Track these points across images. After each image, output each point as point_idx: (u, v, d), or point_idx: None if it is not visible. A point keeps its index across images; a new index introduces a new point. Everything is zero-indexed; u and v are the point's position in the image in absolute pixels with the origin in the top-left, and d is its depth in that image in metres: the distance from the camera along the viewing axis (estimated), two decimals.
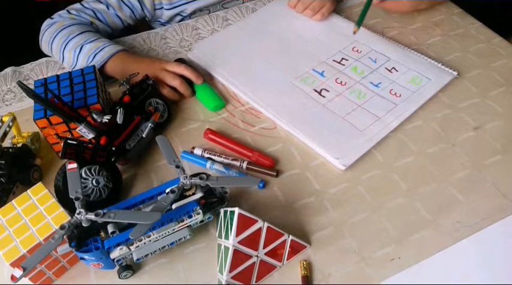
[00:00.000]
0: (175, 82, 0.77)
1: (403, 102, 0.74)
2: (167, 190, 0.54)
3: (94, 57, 0.79)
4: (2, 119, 0.67)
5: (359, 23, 0.77)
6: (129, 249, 0.53)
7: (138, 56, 0.85)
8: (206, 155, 0.68)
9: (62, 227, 0.49)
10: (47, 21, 0.88)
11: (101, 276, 0.57)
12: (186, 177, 0.54)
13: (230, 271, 0.52)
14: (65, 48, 0.82)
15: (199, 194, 0.56)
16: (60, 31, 0.84)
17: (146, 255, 0.55)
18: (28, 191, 0.58)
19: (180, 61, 0.84)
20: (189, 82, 0.80)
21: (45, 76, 0.77)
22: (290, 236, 0.55)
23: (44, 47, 0.87)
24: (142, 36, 0.93)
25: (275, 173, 0.65)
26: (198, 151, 0.69)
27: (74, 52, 0.81)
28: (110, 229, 0.53)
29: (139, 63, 0.79)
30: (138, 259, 0.55)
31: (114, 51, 0.80)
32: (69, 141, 0.59)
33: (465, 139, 0.69)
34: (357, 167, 0.66)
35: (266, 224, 0.53)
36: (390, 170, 0.66)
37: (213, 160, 0.68)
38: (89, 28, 0.86)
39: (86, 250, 0.51)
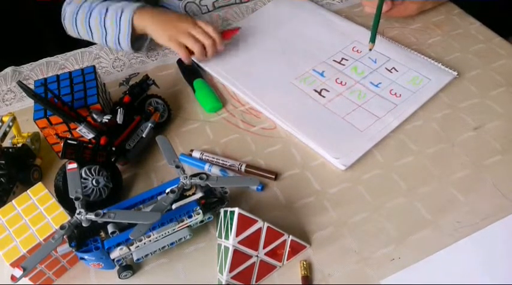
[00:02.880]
0: (195, 48, 0.79)
1: (403, 102, 0.74)
2: (167, 190, 0.54)
3: (121, 13, 0.80)
4: (2, 119, 0.67)
5: (373, 39, 0.76)
6: (129, 249, 0.53)
7: (164, 11, 0.86)
8: (204, 157, 0.68)
9: (62, 227, 0.49)
10: (65, 3, 0.87)
11: (101, 276, 0.57)
12: (186, 177, 0.54)
13: (230, 271, 0.52)
14: (90, 18, 0.82)
15: (199, 194, 0.56)
16: (81, 6, 0.84)
17: (146, 255, 0.55)
18: (28, 191, 0.58)
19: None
20: (189, 80, 0.80)
21: (45, 76, 0.77)
22: (290, 236, 0.55)
23: (69, 28, 0.87)
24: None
25: (273, 177, 0.65)
26: (196, 154, 0.69)
27: (99, 17, 0.82)
28: (110, 229, 0.53)
29: (167, 17, 0.82)
30: (138, 259, 0.55)
31: (139, 5, 0.81)
32: (69, 141, 0.59)
33: (465, 139, 0.69)
34: (357, 167, 0.66)
35: (266, 224, 0.53)
36: (390, 170, 0.66)
37: (211, 163, 0.68)
38: None
39: (86, 250, 0.51)
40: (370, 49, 0.76)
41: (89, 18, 0.83)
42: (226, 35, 0.85)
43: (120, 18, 0.80)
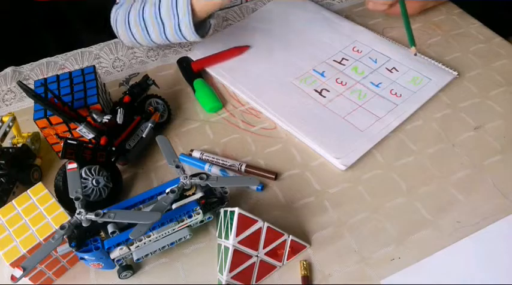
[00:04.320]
0: None
1: (404, 102, 0.74)
2: (167, 190, 0.54)
3: None
4: (2, 119, 0.67)
5: (412, 41, 0.75)
6: (129, 249, 0.53)
7: None
8: (204, 157, 0.68)
9: (62, 227, 0.49)
10: (114, 7, 0.81)
11: (101, 276, 0.57)
12: (186, 177, 0.54)
13: (230, 271, 0.52)
14: (144, 13, 0.74)
15: (199, 194, 0.56)
16: (132, 5, 0.76)
17: (146, 255, 0.55)
18: (28, 191, 0.58)
19: (183, 60, 0.84)
20: (189, 80, 0.80)
21: (45, 76, 0.78)
22: (290, 236, 0.55)
23: (122, 33, 0.79)
24: None
25: (274, 176, 0.65)
26: (196, 154, 0.69)
27: (154, 8, 0.73)
28: (110, 229, 0.53)
29: None
30: (138, 259, 0.55)
31: None
32: (69, 141, 0.59)
33: (465, 139, 0.69)
34: (357, 167, 0.66)
35: (266, 224, 0.53)
36: (390, 170, 0.66)
37: (211, 163, 0.68)
38: None
39: (86, 250, 0.51)
40: (416, 54, 0.75)
41: (143, 14, 0.74)
42: (236, 51, 0.84)
43: (177, 3, 0.71)
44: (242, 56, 0.85)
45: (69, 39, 0.95)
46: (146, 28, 0.75)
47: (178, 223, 0.54)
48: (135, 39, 0.79)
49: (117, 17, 0.79)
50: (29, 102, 0.81)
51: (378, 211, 0.61)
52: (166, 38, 0.76)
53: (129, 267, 0.56)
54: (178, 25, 0.73)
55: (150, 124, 0.69)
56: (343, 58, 0.83)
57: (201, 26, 0.77)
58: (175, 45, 0.90)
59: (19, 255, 0.52)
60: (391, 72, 0.79)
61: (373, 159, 0.67)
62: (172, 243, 0.56)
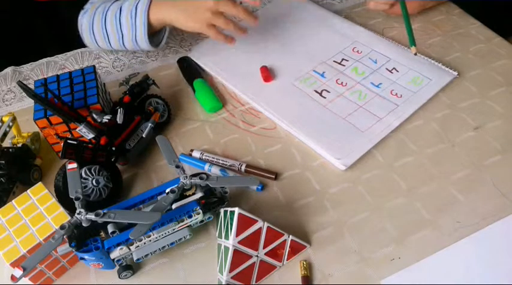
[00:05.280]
0: (230, 27, 0.75)
1: (404, 102, 0.74)
2: (167, 190, 0.54)
3: (136, 8, 0.76)
4: (2, 119, 0.67)
5: (412, 41, 0.75)
6: (129, 249, 0.53)
7: None
8: (204, 157, 0.68)
9: (62, 227, 0.49)
10: (81, 13, 0.84)
11: (101, 276, 0.57)
12: (186, 177, 0.54)
13: (230, 271, 0.52)
14: (106, 21, 0.79)
15: (199, 194, 0.56)
16: (95, 12, 0.81)
17: (146, 255, 0.55)
18: (28, 191, 0.58)
19: (183, 60, 0.84)
20: (189, 80, 0.80)
21: (45, 76, 0.78)
22: (290, 236, 0.55)
23: (87, 38, 0.83)
24: None
25: (274, 176, 0.65)
26: (196, 154, 0.69)
27: (114, 18, 0.78)
28: (110, 229, 0.53)
29: (185, 4, 0.75)
30: (138, 259, 0.55)
31: None
32: (69, 141, 0.59)
33: (465, 139, 0.69)
34: (357, 167, 0.66)
35: (266, 224, 0.53)
36: (390, 170, 0.66)
37: (211, 163, 0.68)
38: None
39: (86, 250, 0.51)
40: (416, 54, 0.76)
41: (105, 22, 0.79)
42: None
43: (136, 13, 0.76)
44: (242, 56, 0.85)
45: (69, 39, 0.94)
46: (107, 36, 0.81)
47: (178, 223, 0.54)
48: (98, 45, 0.84)
49: (82, 26, 0.83)
50: (29, 102, 0.81)
51: (378, 211, 0.61)
52: (124, 46, 0.82)
53: (129, 267, 0.56)
54: (135, 36, 0.78)
55: (150, 124, 0.69)
56: (343, 59, 0.83)
57: (157, 34, 0.83)
58: (175, 45, 0.90)
59: (19, 255, 0.52)
60: (391, 72, 0.79)
61: (373, 159, 0.67)
62: (172, 244, 0.56)
